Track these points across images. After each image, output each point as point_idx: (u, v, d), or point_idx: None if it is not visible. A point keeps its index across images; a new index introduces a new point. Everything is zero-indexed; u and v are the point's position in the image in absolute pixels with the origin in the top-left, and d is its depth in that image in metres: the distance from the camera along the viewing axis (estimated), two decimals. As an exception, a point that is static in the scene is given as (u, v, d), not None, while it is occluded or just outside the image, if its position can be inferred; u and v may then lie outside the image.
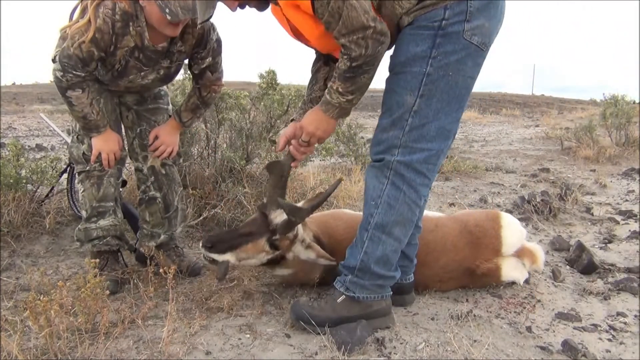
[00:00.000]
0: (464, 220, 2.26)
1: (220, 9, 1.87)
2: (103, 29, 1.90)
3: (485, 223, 2.23)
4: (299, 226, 1.98)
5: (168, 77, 2.25)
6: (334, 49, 1.71)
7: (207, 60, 2.20)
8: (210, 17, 1.94)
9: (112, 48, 1.97)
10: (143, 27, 1.97)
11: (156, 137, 2.30)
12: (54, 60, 2.21)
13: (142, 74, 2.12)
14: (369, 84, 1.67)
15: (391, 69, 1.71)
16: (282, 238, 1.94)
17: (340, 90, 1.64)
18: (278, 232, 1.92)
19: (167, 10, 1.84)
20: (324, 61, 1.98)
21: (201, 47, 2.16)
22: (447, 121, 1.67)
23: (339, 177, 2.01)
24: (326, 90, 1.69)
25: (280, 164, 1.90)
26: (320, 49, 1.84)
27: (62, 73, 1.94)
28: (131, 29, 1.96)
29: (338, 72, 1.62)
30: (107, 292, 1.78)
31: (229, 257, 1.91)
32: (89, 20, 1.89)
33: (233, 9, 1.75)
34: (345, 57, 1.57)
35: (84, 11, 1.93)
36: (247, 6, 1.75)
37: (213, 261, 1.94)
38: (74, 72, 1.94)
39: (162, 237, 2.40)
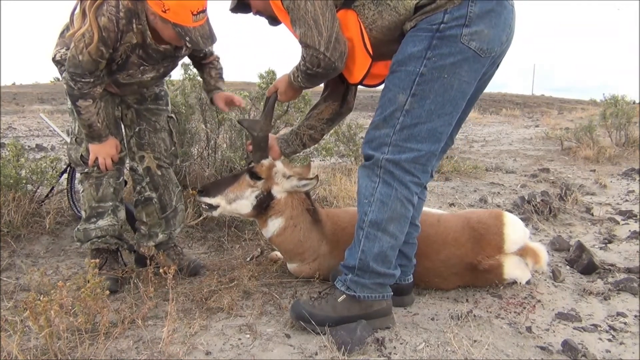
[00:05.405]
0: (467, 217, 2.28)
1: (220, 9, 1.89)
2: (109, 27, 1.91)
3: (488, 220, 2.24)
4: (278, 162, 2.14)
5: (166, 74, 2.28)
6: None
7: (205, 50, 2.29)
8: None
9: (118, 44, 1.98)
10: (145, 25, 1.98)
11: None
12: (54, 60, 2.22)
13: (142, 68, 2.13)
14: None
15: (390, 68, 1.73)
16: (257, 166, 2.11)
17: None
18: (253, 161, 2.12)
19: (187, 38, 1.88)
20: (325, 96, 2.08)
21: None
22: (439, 123, 1.69)
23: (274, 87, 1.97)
24: None
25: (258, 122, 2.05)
26: None
27: (73, 82, 1.97)
28: (134, 26, 1.97)
29: None
30: (107, 291, 1.78)
31: (219, 200, 2.08)
32: (90, 25, 1.89)
33: (254, 13, 1.90)
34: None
35: (84, 14, 1.93)
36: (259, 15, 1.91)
37: (209, 207, 2.10)
38: (83, 79, 1.96)
39: (160, 236, 2.40)
